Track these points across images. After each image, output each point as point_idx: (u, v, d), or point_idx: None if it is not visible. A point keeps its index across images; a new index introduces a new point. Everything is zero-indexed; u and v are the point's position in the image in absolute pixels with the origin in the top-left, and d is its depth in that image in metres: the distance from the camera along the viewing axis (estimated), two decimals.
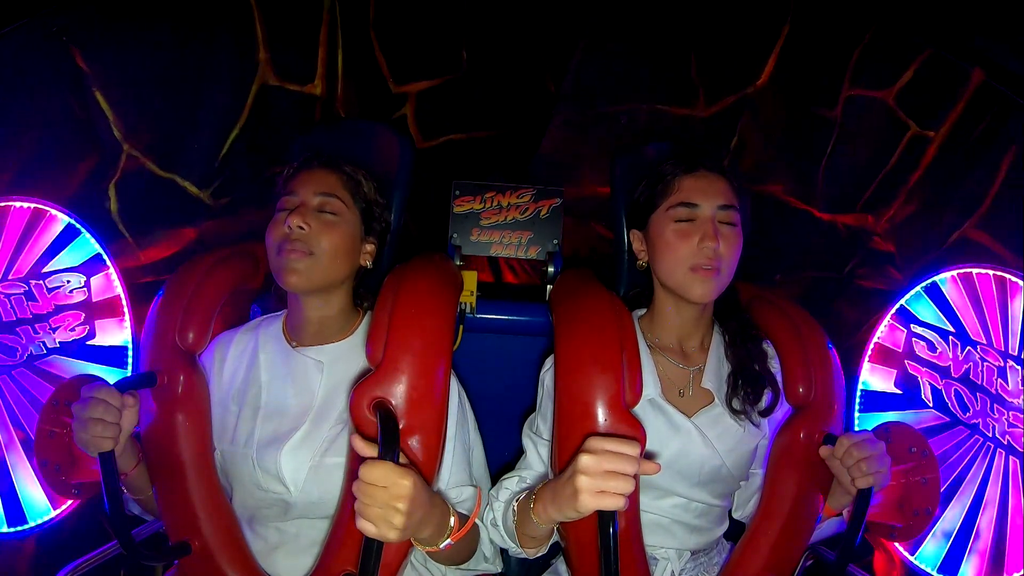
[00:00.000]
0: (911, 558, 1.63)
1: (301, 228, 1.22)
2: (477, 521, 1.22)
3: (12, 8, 1.43)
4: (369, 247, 1.34)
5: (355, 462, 1.00)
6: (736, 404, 1.30)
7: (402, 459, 1.02)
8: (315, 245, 1.22)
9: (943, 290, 1.66)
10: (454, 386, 1.26)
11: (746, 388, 1.30)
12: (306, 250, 1.22)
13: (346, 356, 1.29)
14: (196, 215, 1.99)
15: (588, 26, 2.35)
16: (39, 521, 1.61)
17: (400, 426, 1.08)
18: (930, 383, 1.68)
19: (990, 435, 1.55)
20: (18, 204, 1.59)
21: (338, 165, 1.31)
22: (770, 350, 1.38)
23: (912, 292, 1.72)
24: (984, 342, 1.57)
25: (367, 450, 0.97)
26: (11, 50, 1.49)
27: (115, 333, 1.73)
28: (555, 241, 1.77)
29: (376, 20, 2.21)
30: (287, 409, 1.26)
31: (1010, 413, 1.50)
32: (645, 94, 2.37)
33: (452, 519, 1.08)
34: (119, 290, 1.72)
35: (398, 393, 1.10)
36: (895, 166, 1.93)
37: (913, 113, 1.86)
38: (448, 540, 1.06)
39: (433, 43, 2.34)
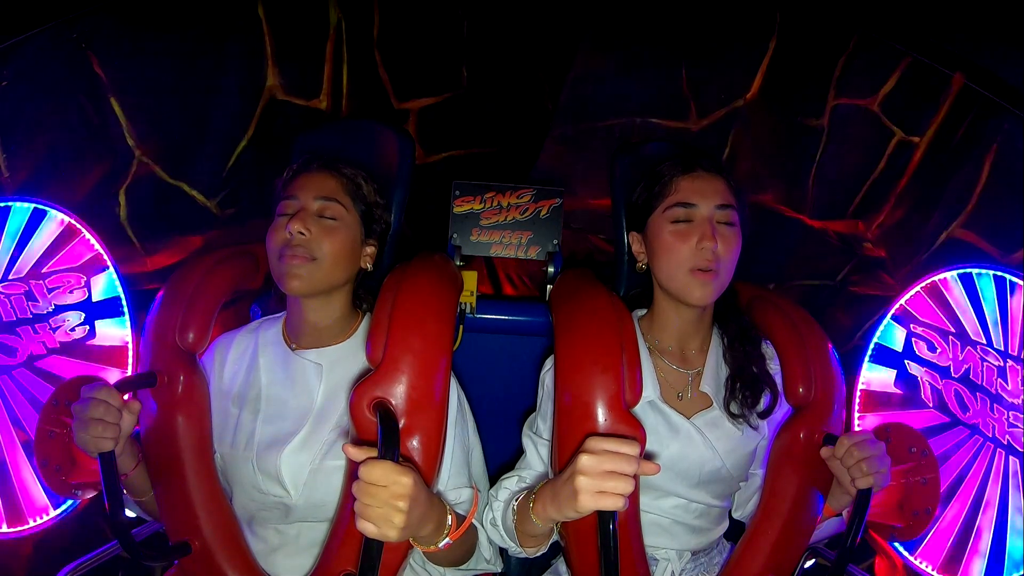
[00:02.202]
0: (911, 558, 1.63)
1: (302, 234, 1.22)
2: (475, 522, 1.21)
3: (34, 14, 1.45)
4: (370, 249, 1.33)
5: (354, 463, 1.00)
6: (734, 408, 1.29)
7: (400, 460, 1.01)
8: (316, 250, 1.22)
9: (943, 290, 1.66)
10: (454, 388, 1.25)
11: (744, 392, 1.30)
12: (307, 255, 1.22)
13: (346, 358, 1.29)
14: (203, 224, 2.02)
15: (583, 43, 2.40)
16: (39, 521, 1.61)
17: (400, 426, 1.08)
18: (930, 383, 1.68)
19: (990, 435, 1.55)
20: (18, 204, 1.59)
21: (337, 168, 1.31)
22: (769, 350, 1.38)
23: (912, 292, 1.72)
24: (984, 342, 1.57)
25: (360, 456, 0.97)
26: (31, 54, 1.51)
27: (115, 331, 1.74)
28: (555, 241, 1.77)
29: (380, 39, 2.27)
30: (287, 412, 1.26)
31: (1010, 413, 1.51)
32: (638, 108, 2.42)
33: (450, 518, 1.08)
34: (119, 290, 1.72)
35: (398, 393, 1.10)
36: (883, 172, 1.96)
37: (898, 120, 1.91)
38: (446, 539, 1.06)
39: (434, 61, 2.40)
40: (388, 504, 0.93)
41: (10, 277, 1.59)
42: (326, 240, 1.23)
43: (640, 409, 1.22)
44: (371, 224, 1.33)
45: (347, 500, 1.15)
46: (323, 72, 2.15)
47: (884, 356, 1.78)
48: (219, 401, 1.31)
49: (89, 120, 1.69)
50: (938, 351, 1.66)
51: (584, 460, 0.96)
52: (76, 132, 1.68)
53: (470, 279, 1.66)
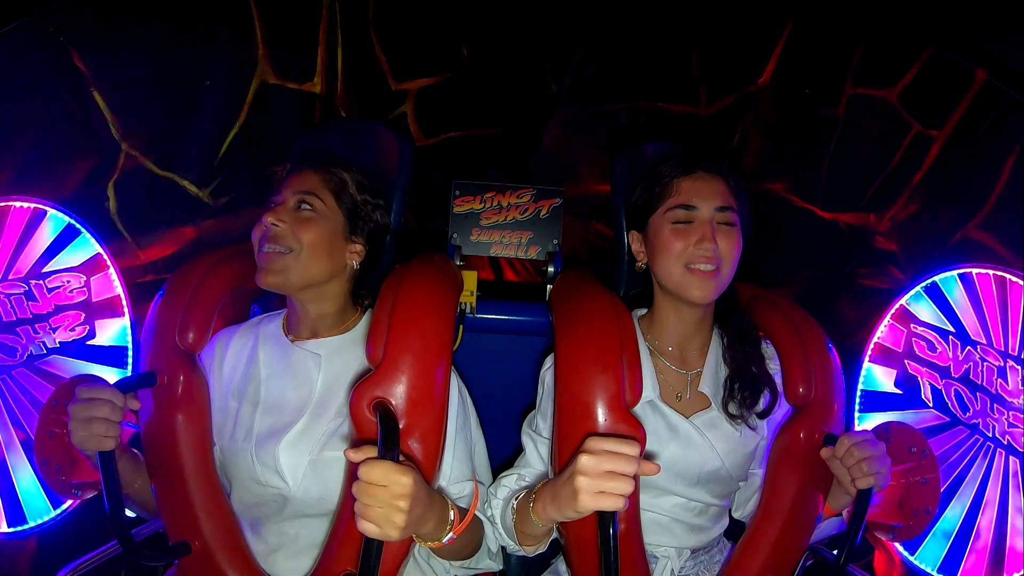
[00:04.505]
0: (911, 558, 1.64)
1: (275, 225, 1.23)
2: (479, 514, 1.22)
3: (9, 8, 1.43)
4: (357, 247, 1.32)
5: (354, 463, 1.00)
6: (732, 408, 1.29)
7: (400, 459, 1.01)
8: (291, 241, 1.23)
9: (943, 290, 1.66)
10: (456, 383, 1.25)
11: (743, 392, 1.30)
12: (283, 247, 1.22)
13: (344, 350, 1.29)
14: (195, 214, 1.99)
15: (589, 24, 2.34)
16: (39, 521, 1.61)
17: (400, 426, 1.08)
18: (930, 383, 1.68)
19: (990, 435, 1.55)
20: (18, 204, 1.59)
21: (323, 166, 1.31)
22: (769, 350, 1.38)
23: (912, 292, 1.72)
24: (984, 342, 1.57)
25: (360, 457, 0.97)
26: (9, 50, 1.49)
27: (115, 332, 1.74)
28: (555, 241, 1.77)
29: (376, 17, 2.21)
30: (286, 403, 1.26)
31: (1010, 413, 1.51)
32: (646, 92, 2.36)
33: (452, 513, 1.08)
34: (119, 290, 1.72)
35: (398, 393, 1.10)
36: (897, 165, 1.92)
37: (916, 112, 1.86)
38: (450, 535, 1.06)
39: (433, 40, 2.34)
40: (389, 504, 0.93)
41: (10, 277, 1.59)
42: (301, 231, 1.23)
43: (640, 409, 1.22)
44: (356, 221, 1.32)
45: (347, 500, 1.15)
46: (317, 54, 2.11)
47: (884, 356, 1.78)
48: (219, 394, 1.31)
49: (72, 115, 1.67)
50: (938, 351, 1.66)
51: (584, 460, 0.96)
52: (59, 128, 1.66)
53: (470, 279, 1.66)
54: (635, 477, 0.97)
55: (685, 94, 2.31)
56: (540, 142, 2.55)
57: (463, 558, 1.23)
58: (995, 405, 1.54)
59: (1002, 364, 1.53)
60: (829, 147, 2.07)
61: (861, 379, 1.82)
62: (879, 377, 1.79)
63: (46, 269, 1.63)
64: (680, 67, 2.28)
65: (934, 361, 1.67)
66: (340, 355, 1.28)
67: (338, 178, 1.31)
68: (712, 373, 1.32)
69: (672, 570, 1.31)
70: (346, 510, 1.15)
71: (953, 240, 1.77)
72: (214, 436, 1.29)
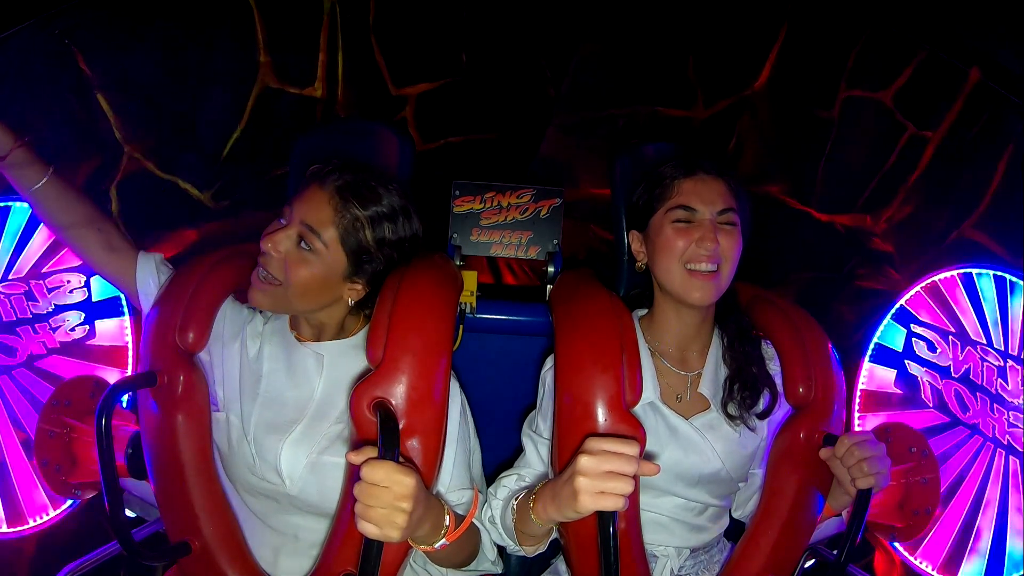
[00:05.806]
0: (911, 558, 1.64)
1: (271, 253, 1.19)
2: (475, 522, 1.21)
3: (16, 10, 1.43)
4: (356, 287, 1.26)
5: (355, 464, 0.99)
6: (731, 409, 1.29)
7: (400, 460, 1.01)
8: (282, 275, 1.19)
9: (943, 290, 1.66)
10: (456, 390, 1.25)
11: (743, 393, 1.30)
12: (272, 278, 1.20)
13: (347, 354, 1.28)
14: (197, 217, 2.00)
15: (587, 29, 2.35)
16: (39, 521, 1.61)
17: (400, 426, 1.08)
18: (930, 383, 1.68)
19: (990, 435, 1.55)
20: (18, 204, 1.59)
21: (343, 197, 1.21)
22: (769, 350, 1.37)
23: (912, 292, 1.73)
24: (984, 342, 1.58)
25: (360, 459, 0.97)
26: (14, 52, 1.49)
27: (115, 332, 1.73)
28: (555, 241, 1.77)
29: (376, 23, 2.23)
30: (284, 401, 1.26)
31: (1010, 413, 1.51)
32: (644, 96, 2.38)
33: (447, 518, 1.08)
34: (119, 291, 1.72)
35: (398, 393, 1.10)
36: (893, 166, 1.93)
37: (911, 114, 1.87)
38: (443, 540, 1.06)
39: (433, 46, 2.35)
40: (391, 505, 0.93)
41: (10, 277, 1.59)
42: (292, 269, 1.19)
43: (640, 410, 1.22)
44: (360, 264, 1.23)
45: (347, 500, 1.15)
46: (318, 59, 2.11)
47: (884, 356, 1.78)
48: (231, 356, 1.29)
49: (76, 117, 1.67)
50: (938, 351, 1.67)
51: (584, 461, 0.96)
52: (63, 130, 1.66)
53: (470, 279, 1.66)
54: (635, 477, 0.97)
55: (682, 98, 2.33)
56: (539, 147, 2.56)
57: (460, 565, 1.23)
58: (995, 405, 1.54)
59: (1002, 364, 1.53)
60: (824, 149, 2.08)
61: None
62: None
63: (46, 269, 1.63)
64: (677, 71, 2.30)
65: (934, 361, 1.67)
66: (343, 359, 1.28)
67: (351, 217, 1.21)
68: (712, 374, 1.32)
69: (672, 569, 1.32)
70: (346, 510, 1.15)
71: (949, 240, 1.78)
72: (222, 403, 1.27)
